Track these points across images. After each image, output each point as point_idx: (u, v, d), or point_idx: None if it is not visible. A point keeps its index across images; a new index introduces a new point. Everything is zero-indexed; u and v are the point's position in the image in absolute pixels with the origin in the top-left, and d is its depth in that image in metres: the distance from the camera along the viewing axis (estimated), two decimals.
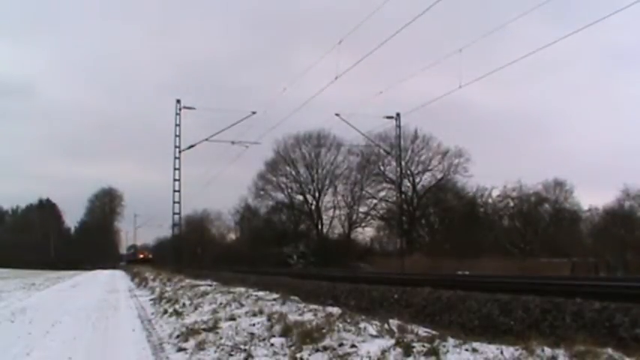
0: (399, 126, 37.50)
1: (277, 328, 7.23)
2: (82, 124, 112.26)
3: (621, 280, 13.89)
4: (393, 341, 5.49)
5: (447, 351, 4.91)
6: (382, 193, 51.97)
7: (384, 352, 5.19)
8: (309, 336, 6.26)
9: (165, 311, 11.98)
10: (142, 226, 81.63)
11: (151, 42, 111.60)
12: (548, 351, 4.48)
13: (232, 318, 8.90)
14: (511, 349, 4.69)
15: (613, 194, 38.16)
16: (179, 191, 34.16)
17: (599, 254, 32.86)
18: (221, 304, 11.02)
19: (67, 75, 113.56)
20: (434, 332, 5.89)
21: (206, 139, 34.05)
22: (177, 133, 33.97)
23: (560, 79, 77.20)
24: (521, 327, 6.54)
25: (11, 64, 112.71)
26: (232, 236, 66.59)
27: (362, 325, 6.52)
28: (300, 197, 56.21)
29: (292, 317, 7.78)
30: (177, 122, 33.89)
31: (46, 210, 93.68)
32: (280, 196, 56.37)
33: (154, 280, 24.55)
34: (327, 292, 12.44)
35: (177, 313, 11.03)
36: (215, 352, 6.80)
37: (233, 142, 34.16)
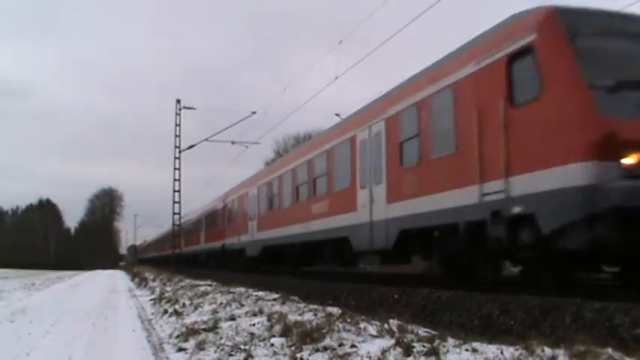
0: None
1: (277, 328, 7.22)
2: (82, 124, 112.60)
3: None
4: (393, 341, 5.48)
5: (447, 351, 4.91)
6: None
7: (384, 352, 5.19)
8: (309, 336, 6.25)
9: (165, 311, 11.97)
10: (142, 226, 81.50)
11: (152, 43, 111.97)
12: (548, 351, 4.48)
13: (232, 318, 8.90)
14: (511, 349, 4.69)
15: None
16: (179, 191, 34.07)
17: None
18: (221, 304, 11.02)
19: (68, 75, 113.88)
20: (434, 332, 5.89)
21: (206, 139, 34.01)
22: (177, 133, 33.91)
23: None
24: (521, 327, 6.53)
25: (11, 64, 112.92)
26: None
27: (362, 325, 6.52)
28: None
29: (292, 317, 7.77)
30: (177, 122, 33.82)
31: (46, 210, 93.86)
32: None
33: (153, 280, 24.56)
34: (327, 292, 12.42)
35: (177, 313, 11.02)
36: (215, 352, 6.80)
37: (233, 142, 34.17)
